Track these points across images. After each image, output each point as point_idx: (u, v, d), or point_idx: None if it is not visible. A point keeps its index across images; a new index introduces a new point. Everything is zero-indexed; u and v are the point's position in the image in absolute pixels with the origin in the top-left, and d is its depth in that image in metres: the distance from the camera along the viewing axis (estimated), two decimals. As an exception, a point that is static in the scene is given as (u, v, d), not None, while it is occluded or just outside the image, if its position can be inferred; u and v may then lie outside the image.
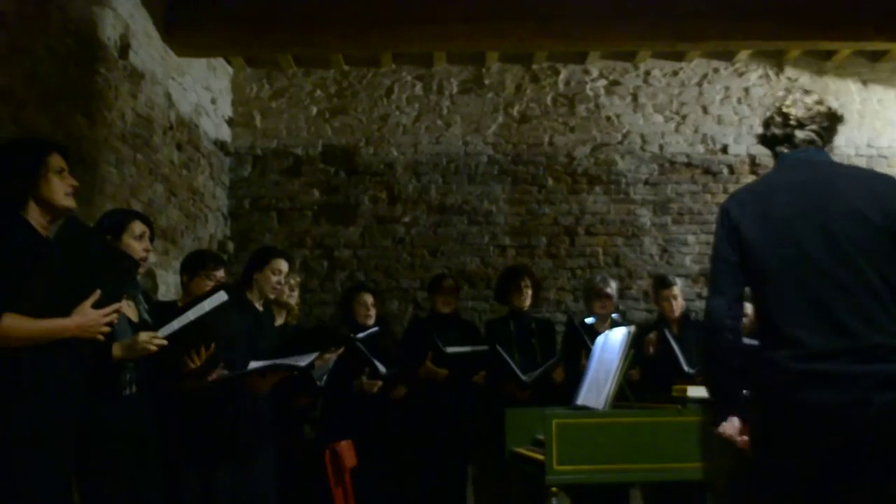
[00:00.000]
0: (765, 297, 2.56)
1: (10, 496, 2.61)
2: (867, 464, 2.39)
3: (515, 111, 6.86)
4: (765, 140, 2.80)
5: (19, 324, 2.64)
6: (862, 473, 2.41)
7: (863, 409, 2.34)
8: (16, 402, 2.64)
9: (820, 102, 2.73)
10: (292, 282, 4.93)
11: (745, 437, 2.61)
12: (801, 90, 2.83)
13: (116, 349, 3.19)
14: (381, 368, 5.00)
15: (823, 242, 2.48)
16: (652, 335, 5.34)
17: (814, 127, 2.68)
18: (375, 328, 5.13)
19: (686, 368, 4.99)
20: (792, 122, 2.69)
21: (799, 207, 2.53)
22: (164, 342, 3.27)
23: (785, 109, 2.71)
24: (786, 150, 2.70)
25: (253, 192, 6.78)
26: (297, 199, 6.77)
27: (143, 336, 3.22)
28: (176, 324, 3.43)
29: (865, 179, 2.61)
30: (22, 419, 2.64)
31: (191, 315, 3.46)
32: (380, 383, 5.06)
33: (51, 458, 2.72)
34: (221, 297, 3.52)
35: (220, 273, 4.32)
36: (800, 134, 2.68)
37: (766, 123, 2.77)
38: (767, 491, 2.52)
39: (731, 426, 2.64)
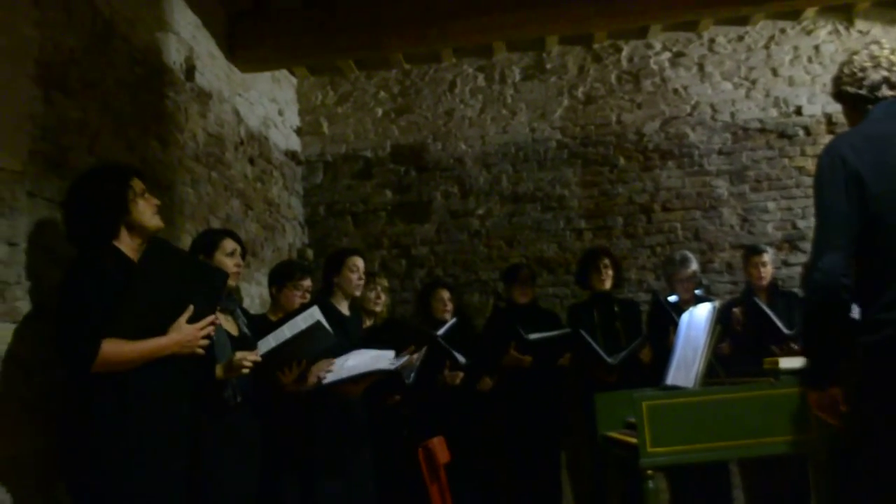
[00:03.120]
0: (877, 253, 2.39)
1: None
2: None
3: (580, 93, 6.79)
4: (848, 89, 2.62)
5: (120, 348, 2.72)
6: None
7: None
8: (126, 420, 2.73)
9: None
10: (379, 288, 4.93)
11: (843, 407, 2.50)
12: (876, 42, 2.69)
13: (219, 370, 3.29)
14: (461, 359, 5.01)
15: None
16: (737, 310, 5.23)
17: None
18: (454, 319, 5.15)
19: (786, 331, 4.89)
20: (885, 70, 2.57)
21: None
22: (259, 359, 3.36)
23: (879, 54, 2.59)
24: (887, 96, 2.55)
25: (327, 199, 6.87)
26: (371, 201, 6.83)
27: (239, 355, 3.31)
28: (272, 340, 3.53)
29: None
30: (132, 436, 2.73)
31: (287, 332, 3.54)
32: (462, 374, 5.08)
33: (164, 471, 2.81)
34: (315, 314, 3.59)
35: (307, 282, 4.41)
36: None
37: (861, 69, 2.60)
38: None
39: (826, 400, 2.52)
